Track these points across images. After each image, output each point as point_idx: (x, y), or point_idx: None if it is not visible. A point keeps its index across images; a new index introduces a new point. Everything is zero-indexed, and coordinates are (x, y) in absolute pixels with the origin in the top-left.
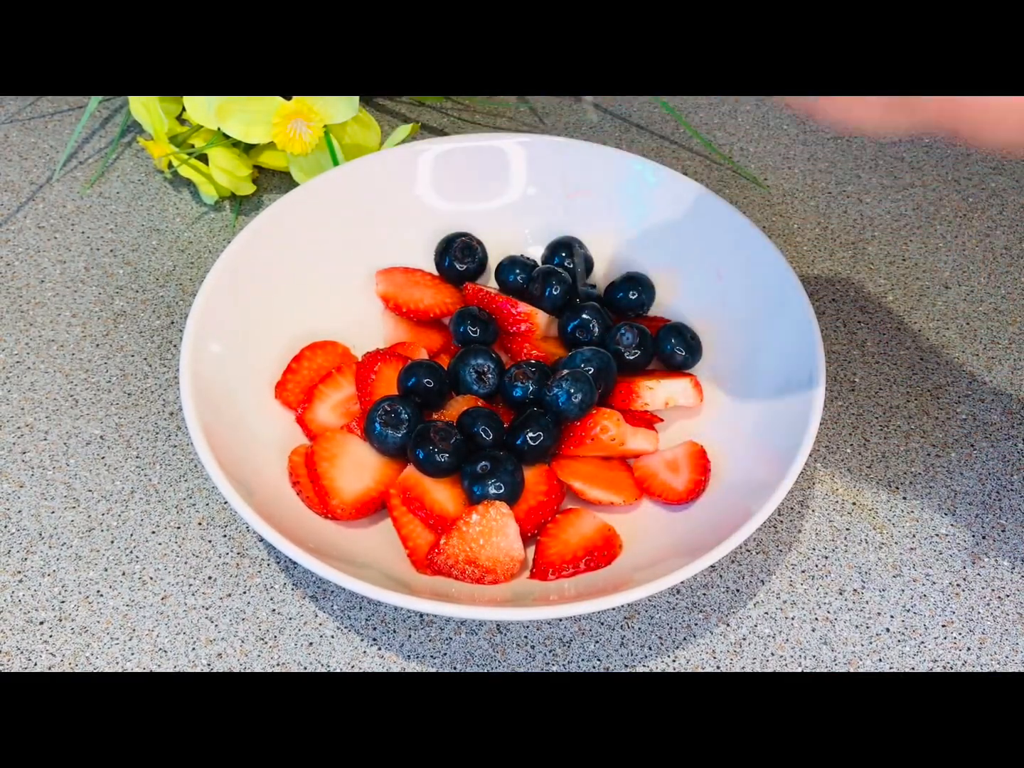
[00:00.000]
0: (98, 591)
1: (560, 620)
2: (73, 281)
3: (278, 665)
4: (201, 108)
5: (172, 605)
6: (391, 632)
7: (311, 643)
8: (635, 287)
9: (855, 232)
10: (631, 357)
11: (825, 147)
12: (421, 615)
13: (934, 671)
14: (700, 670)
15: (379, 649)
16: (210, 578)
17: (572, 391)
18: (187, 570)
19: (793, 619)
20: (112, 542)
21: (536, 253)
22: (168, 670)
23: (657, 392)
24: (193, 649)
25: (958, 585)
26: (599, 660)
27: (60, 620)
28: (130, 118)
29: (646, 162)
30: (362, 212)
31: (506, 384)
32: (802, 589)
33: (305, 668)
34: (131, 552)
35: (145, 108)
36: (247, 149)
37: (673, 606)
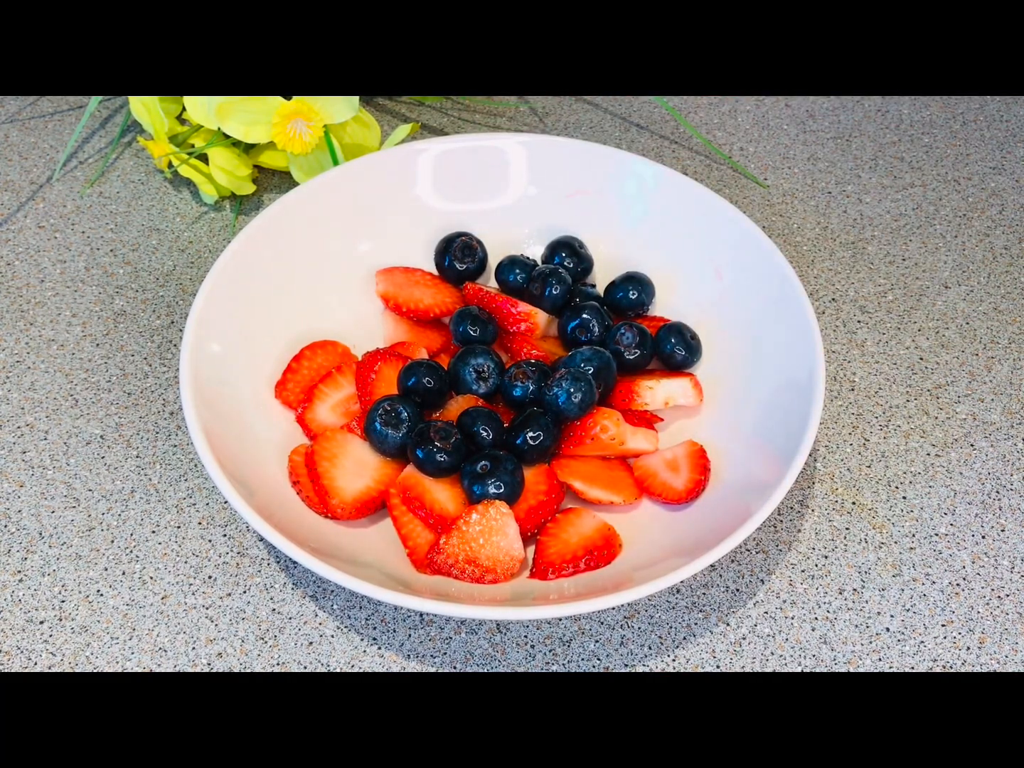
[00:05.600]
0: (98, 591)
1: (560, 620)
2: (73, 281)
3: (278, 665)
4: (201, 108)
5: (172, 605)
6: (391, 632)
7: (311, 643)
8: (635, 287)
9: (855, 232)
10: (631, 357)
11: (825, 147)
12: (421, 615)
13: (934, 671)
14: (700, 670)
15: (379, 649)
16: (210, 578)
17: (572, 391)
18: (187, 570)
19: (793, 619)
20: (112, 542)
21: (536, 253)
22: (168, 670)
23: (657, 392)
24: (193, 649)
25: (958, 585)
26: (599, 660)
27: (60, 620)
28: (130, 118)
29: (646, 162)
30: (362, 212)
31: (506, 384)
32: (802, 589)
33: (305, 668)
34: (131, 552)
35: (145, 108)
36: (247, 149)
37: (673, 606)
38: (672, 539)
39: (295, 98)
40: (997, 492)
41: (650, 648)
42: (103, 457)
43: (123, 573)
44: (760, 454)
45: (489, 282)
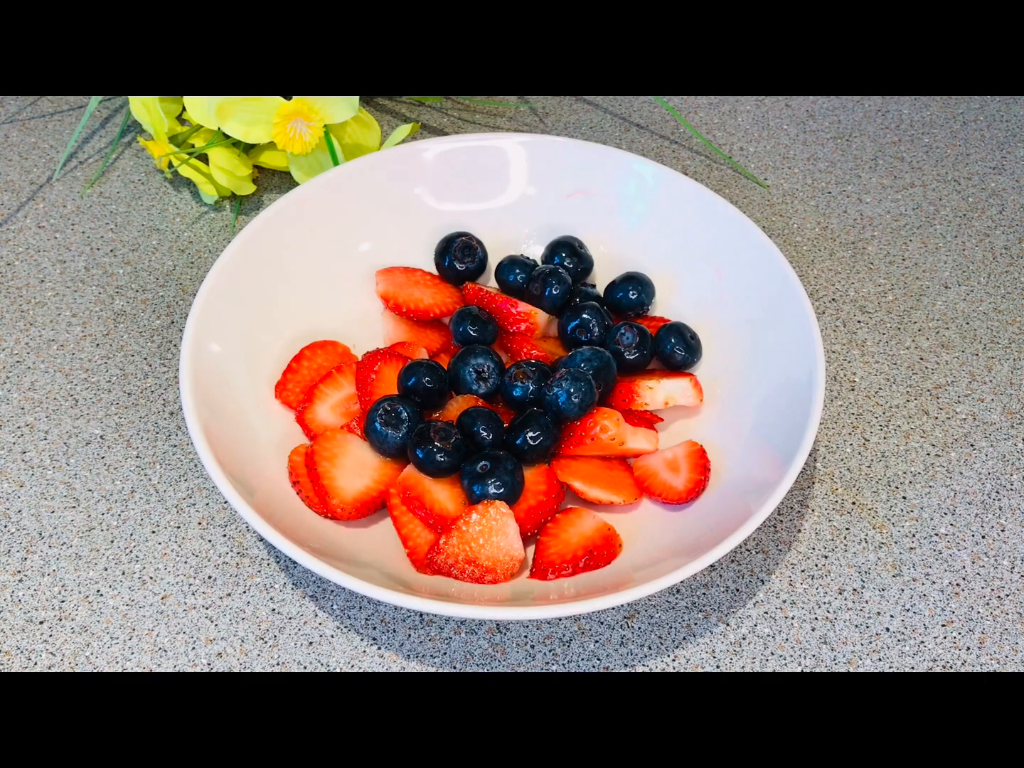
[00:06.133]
0: (98, 591)
1: (560, 620)
2: (73, 281)
3: (278, 665)
4: (201, 108)
5: (172, 605)
6: (391, 632)
7: (311, 643)
8: (635, 287)
9: (855, 232)
10: (631, 357)
11: (825, 147)
12: (421, 615)
13: (934, 671)
14: (700, 670)
15: (379, 649)
16: (210, 578)
17: (572, 391)
18: (187, 570)
19: (793, 619)
20: (112, 542)
21: (536, 253)
22: (168, 670)
23: (657, 392)
24: (193, 649)
25: (958, 585)
26: (599, 660)
27: (60, 620)
28: (130, 118)
29: (646, 162)
30: (362, 212)
31: (506, 384)
32: (802, 589)
33: (305, 668)
34: (131, 552)
35: (145, 108)
36: (247, 149)
37: (673, 606)
38: (672, 539)
39: (295, 98)
40: (997, 492)
41: (650, 648)
42: (103, 457)
43: (123, 573)
44: (760, 454)
45: (489, 282)
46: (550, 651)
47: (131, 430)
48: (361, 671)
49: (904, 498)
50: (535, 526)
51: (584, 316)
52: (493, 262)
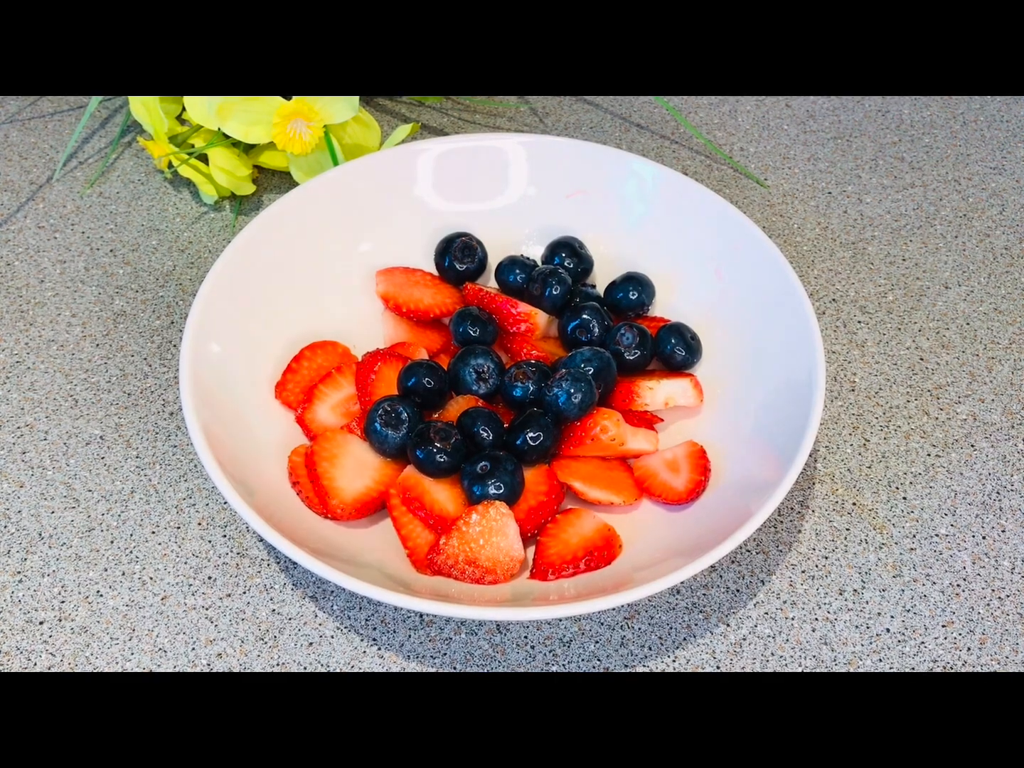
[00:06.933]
0: (98, 591)
1: (560, 620)
2: (73, 281)
3: (278, 665)
4: (201, 108)
5: (172, 605)
6: (391, 632)
7: (311, 643)
8: (635, 287)
9: (855, 232)
10: (631, 357)
11: (825, 147)
12: (421, 615)
13: (934, 671)
14: (700, 670)
15: (379, 649)
16: (210, 578)
17: (572, 391)
18: (187, 570)
19: (793, 619)
20: (112, 542)
21: (536, 253)
22: (168, 670)
23: (657, 392)
24: (193, 649)
25: (958, 585)
26: (599, 660)
27: (60, 620)
28: (130, 118)
29: (646, 162)
30: (362, 212)
31: (506, 384)
32: (802, 589)
33: (305, 668)
34: (131, 552)
35: (145, 108)
36: (247, 149)
37: (673, 606)
38: (672, 539)
39: (295, 98)
40: (997, 493)
41: (650, 649)
42: (103, 457)
43: (123, 574)
44: (760, 454)
45: (489, 282)
46: (550, 651)
47: (131, 430)
48: (361, 671)
49: (904, 499)
50: (535, 527)
51: (584, 316)
52: (493, 262)
